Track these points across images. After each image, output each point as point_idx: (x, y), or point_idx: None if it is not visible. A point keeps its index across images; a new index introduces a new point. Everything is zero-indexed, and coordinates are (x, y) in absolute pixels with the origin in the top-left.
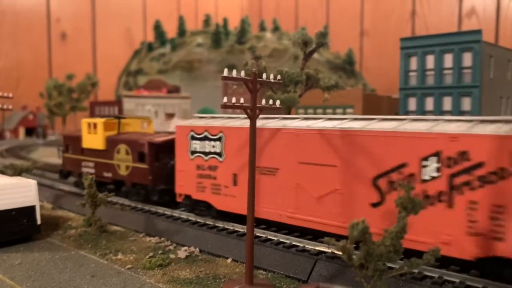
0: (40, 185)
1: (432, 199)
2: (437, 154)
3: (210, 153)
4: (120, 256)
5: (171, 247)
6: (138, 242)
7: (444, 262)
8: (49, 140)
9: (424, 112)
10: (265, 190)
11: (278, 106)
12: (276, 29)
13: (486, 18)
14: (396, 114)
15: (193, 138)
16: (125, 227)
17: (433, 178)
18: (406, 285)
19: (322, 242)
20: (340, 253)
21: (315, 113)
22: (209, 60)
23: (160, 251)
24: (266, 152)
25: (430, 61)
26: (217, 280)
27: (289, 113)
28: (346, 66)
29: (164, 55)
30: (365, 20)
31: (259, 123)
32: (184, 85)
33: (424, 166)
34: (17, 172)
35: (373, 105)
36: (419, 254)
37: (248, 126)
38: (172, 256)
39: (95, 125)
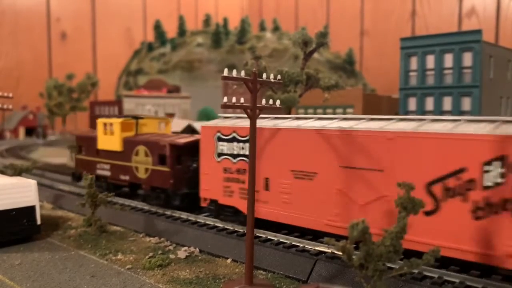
0: (40, 185)
1: (495, 207)
2: (502, 159)
3: (238, 155)
4: (120, 256)
5: (171, 247)
6: (138, 242)
7: (444, 262)
8: (49, 140)
9: (424, 112)
10: (300, 196)
11: (278, 106)
12: (276, 29)
13: (486, 18)
14: (396, 114)
15: (220, 139)
16: (125, 227)
17: (497, 184)
18: (406, 285)
19: (322, 242)
20: (340, 253)
21: (315, 113)
22: (209, 60)
23: (160, 251)
24: (301, 155)
25: (430, 61)
26: (217, 281)
27: (289, 113)
28: (346, 66)
29: (164, 55)
30: (365, 20)
31: (294, 124)
32: (184, 85)
33: (487, 171)
34: (17, 172)
35: (373, 105)
36: (419, 254)
37: (283, 127)
38: (172, 256)
39: (111, 126)
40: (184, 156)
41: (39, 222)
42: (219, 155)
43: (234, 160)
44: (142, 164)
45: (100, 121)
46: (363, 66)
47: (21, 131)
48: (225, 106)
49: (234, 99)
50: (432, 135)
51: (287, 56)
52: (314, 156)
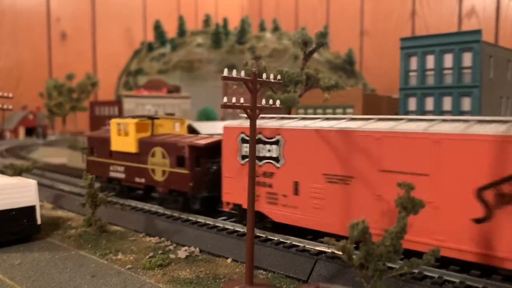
0: (40, 185)
1: None
2: None
3: (264, 158)
4: (120, 256)
5: (171, 247)
6: (138, 242)
7: (444, 262)
8: (49, 140)
9: (424, 112)
10: (334, 201)
11: (278, 106)
12: (276, 29)
13: (486, 18)
14: (396, 114)
15: (244, 141)
16: (125, 227)
17: None
18: (406, 285)
19: (322, 242)
20: (340, 253)
21: (315, 113)
22: (209, 60)
23: (160, 251)
24: (335, 158)
25: (430, 61)
26: (217, 280)
27: (289, 113)
28: (346, 66)
29: (164, 55)
30: (365, 20)
31: (327, 125)
32: (184, 85)
33: None
34: (17, 172)
35: (373, 105)
36: (419, 254)
37: (314, 128)
38: (172, 256)
39: (126, 126)
40: (204, 158)
41: (39, 222)
42: (243, 157)
43: (260, 163)
44: (159, 166)
45: (113, 122)
46: (363, 66)
47: (21, 131)
48: (225, 106)
49: (234, 99)
50: (484, 138)
51: (287, 56)
52: (350, 159)
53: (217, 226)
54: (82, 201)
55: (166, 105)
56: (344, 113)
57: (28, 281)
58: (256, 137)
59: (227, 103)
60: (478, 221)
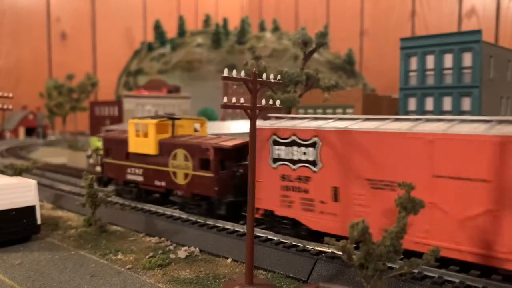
0: (40, 185)
1: None
2: None
3: (300, 161)
4: (120, 256)
5: (171, 247)
6: (138, 242)
7: (444, 262)
8: (49, 140)
9: (424, 112)
10: (380, 209)
11: (278, 106)
12: (276, 29)
13: (486, 18)
14: (396, 114)
15: (276, 143)
16: (125, 227)
17: None
18: (406, 285)
19: (322, 242)
20: (340, 253)
21: (315, 113)
22: (209, 60)
23: (160, 251)
24: (381, 162)
25: (430, 61)
26: (217, 280)
27: (289, 113)
28: (346, 66)
29: (164, 55)
30: (365, 20)
31: (371, 126)
32: (184, 85)
33: None
34: (17, 172)
35: (373, 105)
36: (418, 254)
37: (357, 129)
38: (172, 256)
39: (145, 127)
40: (229, 160)
41: (39, 222)
42: (275, 160)
43: (294, 167)
44: (181, 169)
45: (131, 122)
46: (363, 66)
47: (21, 131)
48: (225, 106)
49: (234, 99)
50: None
51: (287, 56)
52: (398, 163)
53: (217, 226)
54: (82, 201)
55: (166, 105)
56: (344, 113)
57: (28, 281)
58: (290, 139)
59: (227, 103)
60: None
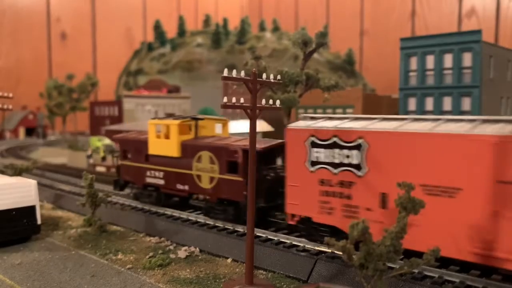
0: (40, 185)
1: None
2: None
3: (342, 164)
4: (120, 256)
5: (171, 247)
6: (138, 242)
7: (444, 262)
8: (49, 140)
9: (423, 113)
10: (434, 217)
11: (278, 106)
12: (276, 29)
13: (486, 18)
14: (396, 114)
15: (314, 144)
16: (125, 227)
17: None
18: (406, 285)
19: (322, 242)
20: (340, 253)
21: (315, 113)
22: (209, 60)
23: (160, 251)
24: (437, 166)
25: (430, 61)
26: (217, 280)
27: (289, 113)
28: (346, 66)
29: (164, 55)
30: (365, 20)
31: (424, 127)
32: (184, 85)
33: None
34: (17, 172)
35: (373, 105)
36: (419, 254)
37: (408, 131)
38: (172, 256)
39: (167, 128)
40: (259, 163)
41: (39, 222)
42: (314, 163)
43: (335, 171)
44: (206, 172)
45: (151, 123)
46: (363, 66)
47: (21, 131)
48: (225, 106)
49: (234, 99)
50: None
51: (287, 56)
52: (457, 168)
53: (217, 226)
54: (82, 201)
55: (166, 105)
56: (344, 113)
57: (28, 281)
58: (331, 141)
59: (227, 103)
60: None
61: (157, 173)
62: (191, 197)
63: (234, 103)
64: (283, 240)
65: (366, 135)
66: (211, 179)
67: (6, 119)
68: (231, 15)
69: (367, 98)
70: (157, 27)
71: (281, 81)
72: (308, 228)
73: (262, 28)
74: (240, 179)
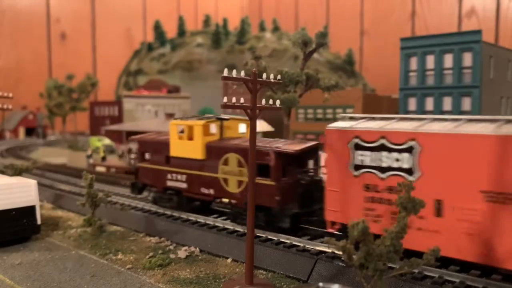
0: (40, 185)
1: None
2: None
3: (390, 168)
4: (120, 256)
5: (171, 247)
6: (138, 242)
7: (444, 262)
8: (49, 140)
9: (424, 113)
10: (498, 226)
11: (278, 106)
12: (276, 29)
13: (486, 18)
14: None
15: (358, 147)
16: (125, 227)
17: None
18: (406, 285)
19: (322, 242)
20: (340, 253)
21: (315, 113)
22: (209, 60)
23: (160, 251)
24: (501, 171)
25: (430, 61)
26: (217, 280)
27: (289, 113)
28: (346, 66)
29: (164, 55)
30: (365, 20)
31: (486, 128)
32: (184, 85)
33: None
34: (17, 172)
35: (373, 105)
36: (419, 254)
37: (467, 133)
38: (172, 256)
39: (191, 129)
40: (292, 166)
41: (39, 222)
42: (357, 167)
43: (383, 175)
44: (234, 175)
45: (173, 123)
46: (363, 66)
47: (21, 131)
48: (225, 106)
49: (234, 99)
50: None
51: (287, 56)
52: None
53: (217, 226)
54: (82, 201)
55: (166, 105)
56: (344, 113)
57: (28, 281)
58: (378, 143)
59: (227, 103)
60: None
61: (179, 176)
62: (213, 202)
63: (234, 103)
64: (283, 240)
65: (419, 137)
66: (239, 183)
67: (6, 119)
68: (231, 15)
69: (367, 98)
70: (157, 27)
71: (281, 81)
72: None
73: (262, 28)
74: (272, 183)
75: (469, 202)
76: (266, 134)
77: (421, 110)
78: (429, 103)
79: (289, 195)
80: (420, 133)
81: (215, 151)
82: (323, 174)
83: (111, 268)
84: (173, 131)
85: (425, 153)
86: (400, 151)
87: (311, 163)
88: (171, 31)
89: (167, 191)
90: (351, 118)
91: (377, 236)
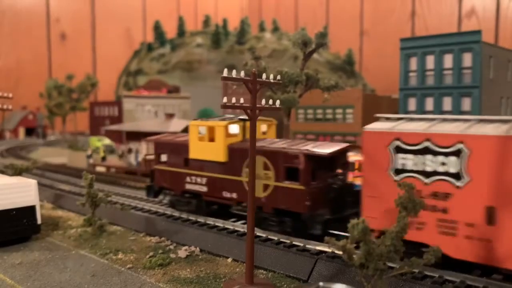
0: (40, 185)
1: None
2: None
3: (436, 173)
4: (120, 255)
5: (171, 247)
6: (138, 242)
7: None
8: (49, 140)
9: (424, 113)
10: None
11: (278, 106)
12: (275, 29)
13: (486, 18)
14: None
15: (399, 149)
16: (125, 227)
17: None
18: (406, 285)
19: (322, 241)
20: (340, 252)
21: (315, 114)
22: (209, 61)
23: (160, 251)
24: None
25: (430, 61)
26: (218, 280)
27: (289, 114)
28: (346, 67)
29: (164, 56)
30: (365, 20)
31: None
32: (184, 85)
33: None
34: (17, 172)
35: (373, 105)
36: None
37: None
38: (172, 255)
39: (212, 130)
40: (323, 169)
41: (39, 221)
42: (399, 171)
43: (427, 180)
44: (259, 179)
45: (193, 124)
46: (362, 67)
47: (21, 131)
48: (225, 106)
49: (234, 100)
50: None
51: (287, 56)
52: None
53: (217, 226)
54: (82, 201)
55: (165, 105)
56: (344, 113)
57: (28, 280)
58: (421, 145)
59: (227, 103)
60: None
61: (198, 179)
62: (234, 206)
63: (234, 103)
64: (283, 240)
65: (468, 140)
66: (265, 187)
67: (6, 119)
68: (230, 15)
69: (367, 98)
70: (157, 28)
71: (280, 81)
72: None
73: (261, 28)
74: (301, 187)
75: None
76: None
77: (421, 110)
78: (429, 103)
79: (320, 200)
80: (469, 135)
81: (238, 153)
82: (354, 178)
83: (112, 267)
84: (193, 133)
85: (475, 157)
86: (446, 154)
87: (341, 166)
88: (171, 31)
89: (185, 194)
90: (387, 119)
91: (419, 245)
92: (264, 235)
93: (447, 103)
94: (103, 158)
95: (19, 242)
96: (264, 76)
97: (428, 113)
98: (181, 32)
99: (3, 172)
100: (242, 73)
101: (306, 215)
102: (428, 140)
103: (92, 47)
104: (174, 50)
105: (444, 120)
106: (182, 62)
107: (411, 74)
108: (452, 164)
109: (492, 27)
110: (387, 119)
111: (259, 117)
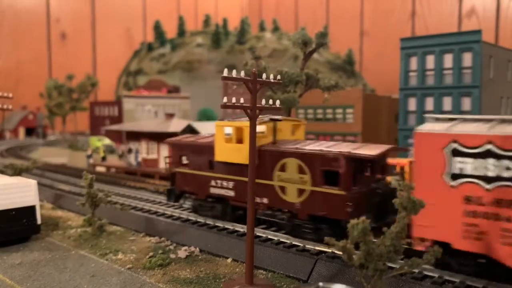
0: (40, 185)
1: None
2: None
3: (499, 178)
4: (120, 256)
5: (171, 247)
6: (138, 242)
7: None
8: (49, 140)
9: (424, 113)
10: None
11: (278, 106)
12: (276, 29)
13: (486, 18)
14: (396, 114)
15: (457, 153)
16: (125, 227)
17: None
18: (406, 285)
19: (322, 242)
20: (340, 253)
21: (315, 114)
22: (209, 60)
23: (160, 251)
24: None
25: (430, 61)
26: (217, 280)
27: (289, 113)
28: (346, 67)
29: (164, 55)
30: (365, 20)
31: None
32: (184, 85)
33: None
34: (17, 172)
35: (373, 105)
36: (419, 254)
37: None
38: (172, 256)
39: (240, 131)
40: (363, 173)
41: (39, 222)
42: (456, 176)
43: (489, 186)
44: (293, 183)
45: (219, 125)
46: (363, 67)
47: (21, 131)
48: (225, 106)
49: (234, 99)
50: None
51: (287, 56)
52: None
53: (217, 226)
54: (82, 201)
55: (166, 105)
56: (344, 113)
57: (28, 280)
58: (482, 148)
59: (227, 103)
60: None
61: (225, 183)
62: (263, 211)
63: (234, 103)
64: (283, 240)
65: None
66: (300, 191)
67: (6, 119)
68: (231, 15)
69: (367, 98)
70: (157, 27)
71: (281, 81)
72: (445, 256)
73: (262, 28)
74: (342, 192)
75: None
76: None
77: (421, 110)
78: (429, 103)
79: (363, 206)
80: None
81: (269, 156)
82: (394, 182)
83: (111, 268)
84: (219, 134)
85: None
86: (511, 158)
87: (380, 170)
88: (171, 31)
89: (209, 199)
90: (437, 119)
91: (479, 256)
92: (264, 236)
93: (447, 103)
94: (103, 158)
95: (19, 242)
96: (264, 76)
97: (428, 113)
98: (181, 32)
99: (3, 172)
100: (242, 73)
101: (346, 222)
102: (490, 142)
103: (92, 47)
104: (174, 50)
105: (503, 121)
106: (182, 62)
107: (411, 74)
108: None
109: (492, 27)
110: (437, 119)
111: (287, 117)
